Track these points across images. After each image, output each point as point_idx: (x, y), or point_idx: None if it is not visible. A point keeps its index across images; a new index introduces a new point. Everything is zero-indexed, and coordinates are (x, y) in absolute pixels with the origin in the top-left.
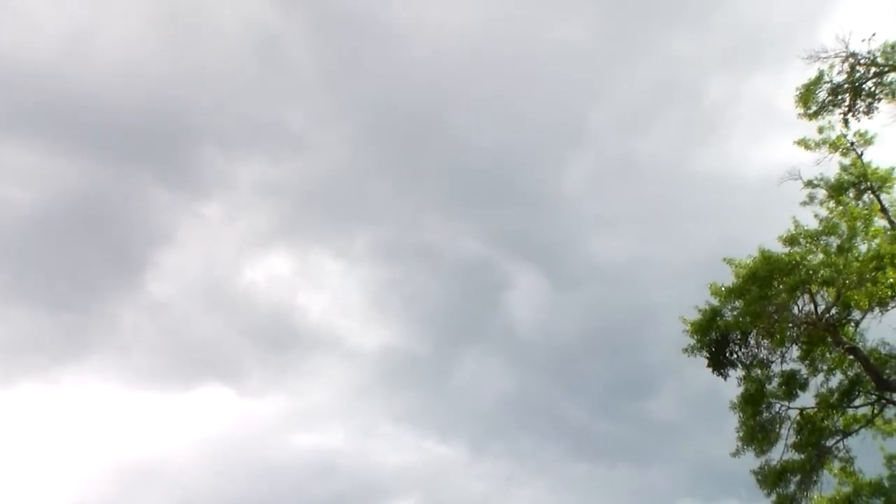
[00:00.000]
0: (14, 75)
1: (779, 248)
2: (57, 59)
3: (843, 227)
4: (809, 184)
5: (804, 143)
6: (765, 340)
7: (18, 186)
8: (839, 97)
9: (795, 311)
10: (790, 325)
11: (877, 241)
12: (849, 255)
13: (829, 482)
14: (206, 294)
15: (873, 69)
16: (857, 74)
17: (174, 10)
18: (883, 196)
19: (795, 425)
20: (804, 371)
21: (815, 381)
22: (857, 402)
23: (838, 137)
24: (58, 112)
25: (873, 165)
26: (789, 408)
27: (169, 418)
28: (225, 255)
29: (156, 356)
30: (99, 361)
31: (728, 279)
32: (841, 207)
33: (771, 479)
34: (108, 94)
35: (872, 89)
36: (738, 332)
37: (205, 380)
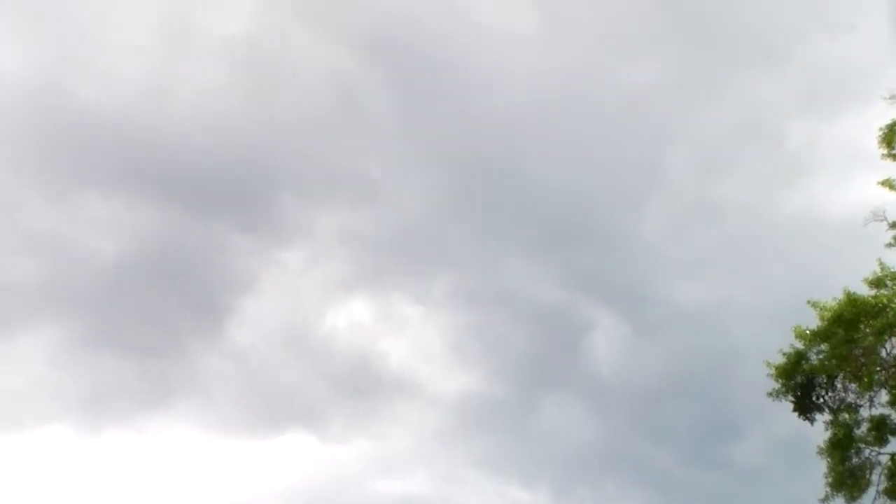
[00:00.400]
0: (97, 127)
1: (864, 291)
2: (138, 110)
3: None
4: (895, 225)
5: (889, 184)
6: (852, 384)
7: (102, 236)
8: None
9: (883, 354)
10: (878, 368)
11: None
12: None
13: None
14: (287, 341)
15: None
16: None
17: (253, 61)
18: None
19: (887, 471)
20: (894, 416)
21: None
22: None
23: None
24: (139, 162)
25: None
26: (880, 453)
27: (252, 465)
28: (305, 302)
29: (238, 403)
30: (182, 409)
31: (812, 322)
32: None
33: None
34: (188, 144)
35: None
36: (824, 376)
37: (287, 426)
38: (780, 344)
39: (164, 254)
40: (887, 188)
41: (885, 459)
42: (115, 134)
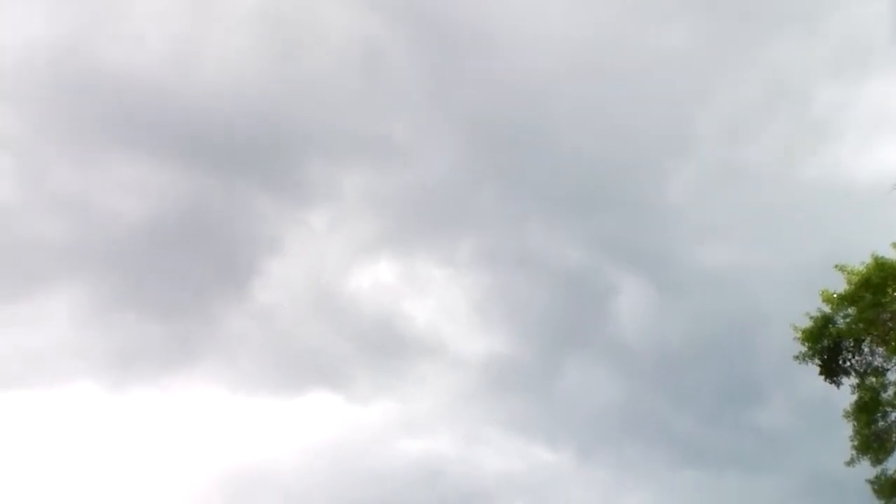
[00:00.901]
0: (123, 90)
1: (892, 255)
2: (164, 73)
3: None
4: None
5: None
6: (879, 348)
7: (129, 198)
8: None
9: None
10: None
11: None
12: None
13: None
14: (312, 301)
15: None
16: None
17: (279, 23)
18: None
19: None
20: None
21: None
22: None
23: None
24: (166, 125)
25: None
26: None
27: (276, 424)
28: (331, 263)
29: (263, 363)
30: (207, 368)
31: (838, 287)
32: None
33: (888, 488)
34: (214, 107)
35: None
36: (851, 340)
37: (312, 386)
38: (804, 308)
39: (190, 215)
40: None
41: None
42: (141, 97)
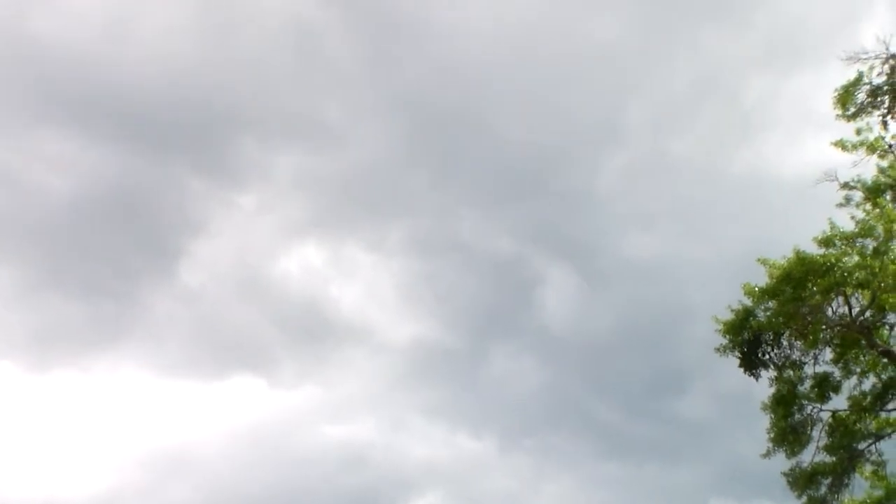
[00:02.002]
0: (52, 63)
1: (814, 250)
2: (95, 48)
3: (880, 229)
4: (846, 186)
5: (841, 145)
6: (798, 342)
7: (54, 174)
8: (878, 99)
9: (829, 313)
10: (824, 326)
11: None
12: (885, 257)
13: (860, 485)
14: (239, 284)
15: None
16: None
17: (213, 1)
18: None
19: (827, 428)
20: (837, 373)
21: (849, 384)
22: (891, 405)
23: (876, 139)
24: (94, 100)
25: None
26: (821, 410)
27: (200, 407)
28: (259, 245)
29: (188, 345)
30: (131, 349)
31: (762, 279)
32: (877, 210)
33: (802, 481)
34: (145, 84)
35: None
36: (770, 333)
37: (237, 369)
38: (729, 300)
39: (118, 194)
40: (839, 149)
41: (826, 416)
42: (71, 71)
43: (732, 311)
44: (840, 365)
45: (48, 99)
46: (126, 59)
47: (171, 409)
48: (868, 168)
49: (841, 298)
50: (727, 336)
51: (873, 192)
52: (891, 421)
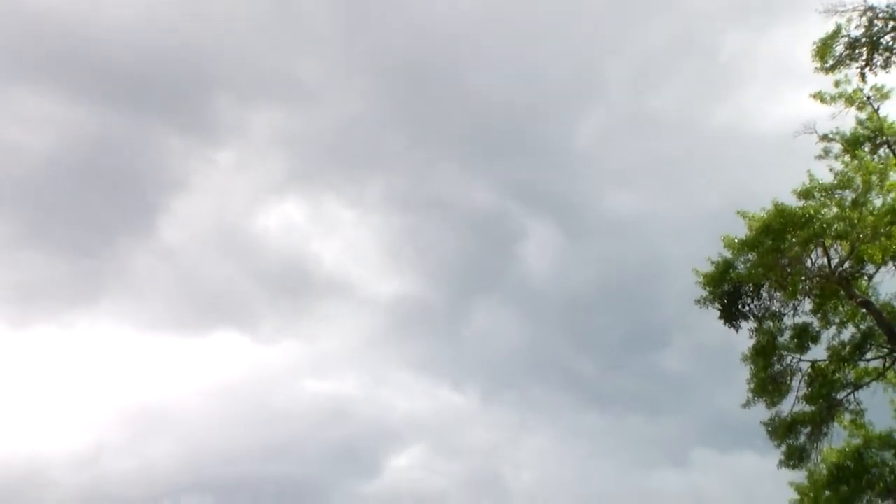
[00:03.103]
0: (28, 22)
1: (793, 202)
2: (71, 6)
3: (858, 181)
4: (825, 138)
5: (820, 97)
6: (777, 293)
7: (33, 133)
8: (856, 51)
9: (809, 264)
10: (803, 278)
11: (892, 195)
12: (863, 209)
13: (839, 434)
14: (219, 240)
15: (891, 23)
16: (875, 28)
17: None
18: None
19: (807, 378)
20: (816, 324)
21: (828, 335)
22: (869, 355)
23: (855, 91)
24: (72, 59)
25: (889, 120)
26: (801, 360)
27: (182, 363)
28: (238, 202)
29: (169, 301)
30: (112, 306)
31: (742, 232)
32: (856, 161)
33: (781, 430)
34: (122, 41)
35: (890, 43)
36: (750, 285)
37: (218, 325)
38: (708, 254)
39: (96, 152)
40: (818, 101)
41: (805, 366)
42: (46, 30)
43: (712, 263)
44: (819, 315)
45: (24, 58)
46: (102, 17)
47: (152, 365)
48: (847, 120)
49: (820, 250)
50: (707, 288)
51: (852, 144)
52: (869, 370)
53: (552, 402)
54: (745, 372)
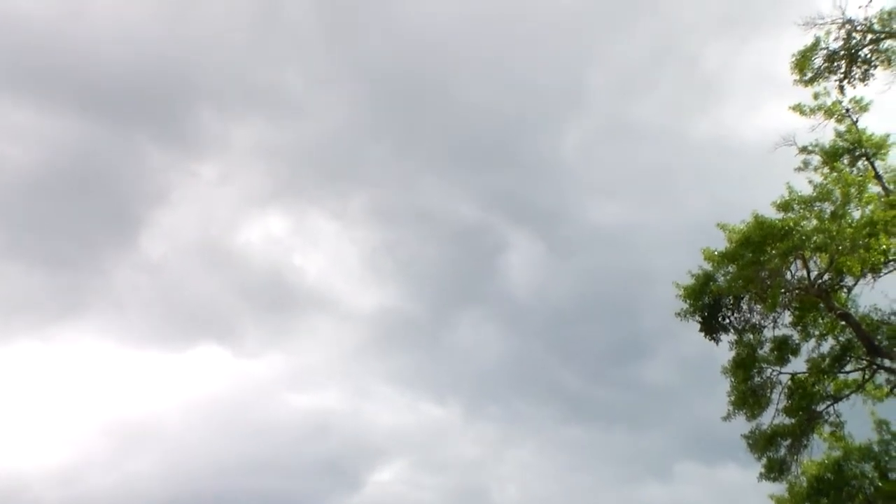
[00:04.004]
0: (10, 33)
1: (773, 214)
2: (54, 18)
3: (837, 193)
4: (804, 150)
5: (799, 110)
6: (757, 305)
7: (14, 145)
8: (835, 64)
9: (788, 276)
10: (783, 290)
11: (870, 207)
12: (842, 221)
13: (819, 446)
14: (201, 254)
15: (869, 36)
16: (854, 41)
17: None
18: (877, 163)
19: (787, 390)
20: (796, 336)
21: (807, 347)
22: (849, 367)
23: (834, 104)
24: (54, 71)
25: (868, 132)
26: (781, 372)
27: (164, 377)
28: (220, 216)
29: (151, 315)
30: (94, 320)
31: (722, 244)
32: (835, 174)
33: (761, 443)
34: (105, 54)
35: (868, 56)
36: (730, 297)
37: (200, 339)
38: (689, 266)
39: (77, 164)
40: (798, 113)
41: (785, 379)
42: (30, 41)
43: (693, 276)
44: (799, 328)
45: (5, 69)
46: (85, 30)
47: (134, 380)
48: (826, 132)
49: (799, 262)
50: (688, 301)
51: (831, 156)
52: (849, 382)
53: (536, 416)
54: (725, 384)
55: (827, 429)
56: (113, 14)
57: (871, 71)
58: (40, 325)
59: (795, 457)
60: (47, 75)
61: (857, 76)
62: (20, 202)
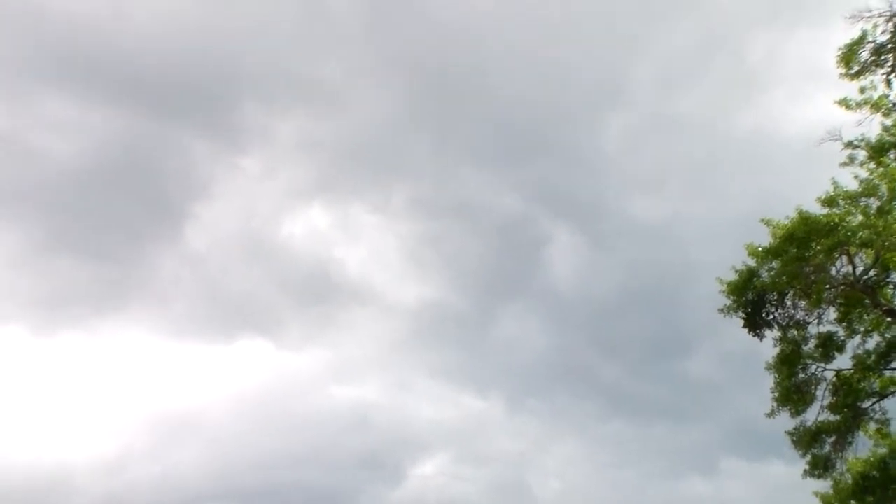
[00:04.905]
0: (56, 28)
1: (817, 209)
2: (99, 12)
3: (884, 188)
4: (850, 144)
5: (845, 104)
6: (801, 301)
7: (61, 139)
8: (882, 57)
9: (833, 272)
10: (827, 286)
11: None
12: (888, 216)
13: (864, 444)
14: (245, 247)
15: None
16: None
17: None
18: None
19: (831, 387)
20: (841, 333)
21: (852, 343)
22: (894, 364)
23: (880, 98)
24: (100, 65)
25: None
26: (825, 369)
27: (207, 370)
28: (264, 209)
29: (195, 308)
30: (138, 312)
31: (765, 240)
32: (881, 169)
33: (806, 439)
34: (149, 47)
35: None
36: (774, 293)
37: (243, 332)
38: (733, 260)
39: (122, 157)
40: (843, 107)
41: (830, 375)
42: (73, 35)
43: (736, 271)
44: (844, 324)
45: (50, 63)
46: (128, 23)
47: (177, 372)
48: (872, 127)
49: (845, 258)
50: (731, 297)
51: (877, 151)
52: (894, 380)
53: (578, 410)
54: (769, 380)
55: (872, 426)
56: (155, 6)
57: None
58: (85, 317)
59: (840, 454)
60: (91, 68)
61: None
62: (65, 195)
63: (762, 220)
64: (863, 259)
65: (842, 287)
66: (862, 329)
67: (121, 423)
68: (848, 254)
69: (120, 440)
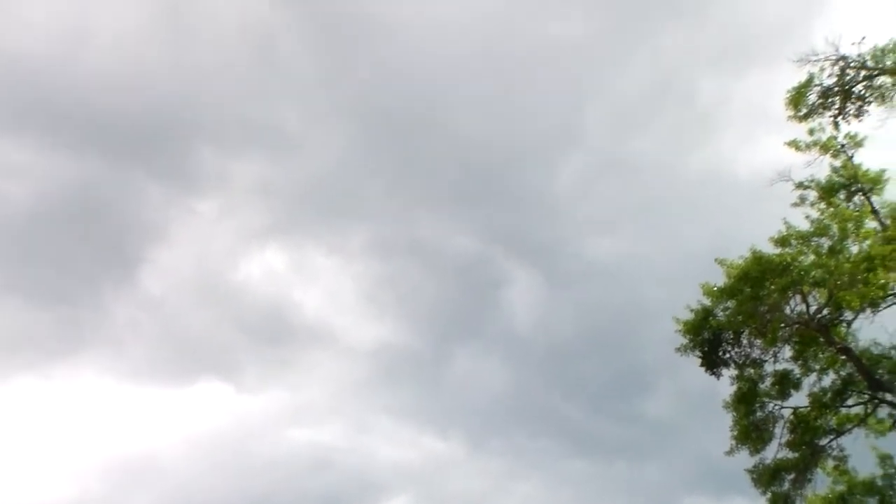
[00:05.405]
0: (10, 71)
1: (770, 249)
2: (53, 56)
3: (835, 228)
4: (800, 185)
5: (795, 145)
6: (757, 340)
7: (14, 181)
8: (829, 100)
9: (787, 311)
10: (782, 325)
11: (868, 242)
12: (840, 256)
13: (822, 481)
14: (200, 290)
15: (863, 72)
16: (848, 77)
17: (171, 8)
18: (874, 198)
19: (789, 424)
20: (797, 371)
21: (808, 381)
22: (850, 401)
23: (829, 139)
24: (54, 108)
25: (864, 167)
26: (782, 407)
27: (164, 414)
28: (219, 252)
29: (151, 351)
30: (93, 357)
31: (720, 279)
32: (832, 209)
33: (765, 477)
34: (104, 91)
35: (862, 92)
36: (730, 332)
37: (201, 375)
38: (689, 299)
39: (77, 201)
40: (793, 149)
41: (787, 413)
42: (28, 79)
43: (692, 310)
44: (799, 362)
45: (6, 107)
46: (84, 67)
47: (134, 416)
48: (822, 168)
49: (798, 297)
50: (688, 336)
51: (827, 192)
52: (851, 417)
53: (539, 449)
54: (727, 418)
55: (830, 463)
56: (111, 51)
57: (866, 107)
58: (39, 361)
59: (800, 491)
60: (45, 111)
61: (851, 112)
62: (19, 239)
63: (717, 260)
64: (816, 298)
65: (796, 326)
66: (817, 367)
67: (77, 468)
68: (802, 293)
69: (76, 485)
